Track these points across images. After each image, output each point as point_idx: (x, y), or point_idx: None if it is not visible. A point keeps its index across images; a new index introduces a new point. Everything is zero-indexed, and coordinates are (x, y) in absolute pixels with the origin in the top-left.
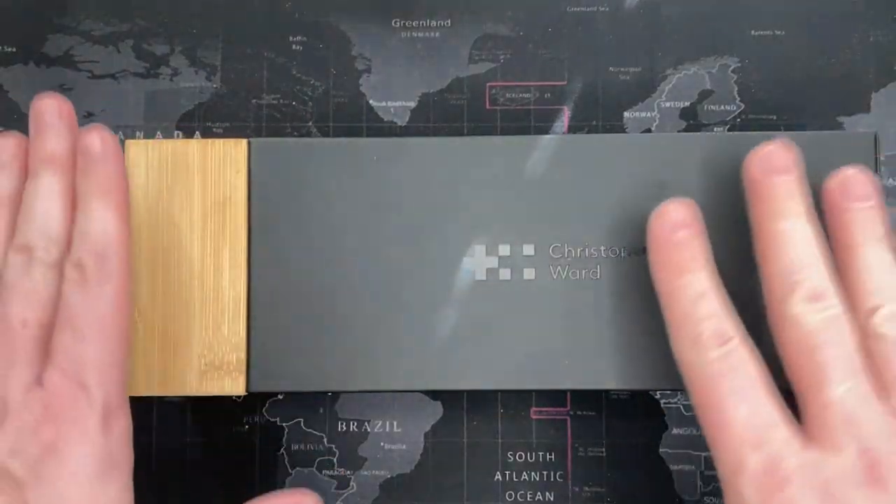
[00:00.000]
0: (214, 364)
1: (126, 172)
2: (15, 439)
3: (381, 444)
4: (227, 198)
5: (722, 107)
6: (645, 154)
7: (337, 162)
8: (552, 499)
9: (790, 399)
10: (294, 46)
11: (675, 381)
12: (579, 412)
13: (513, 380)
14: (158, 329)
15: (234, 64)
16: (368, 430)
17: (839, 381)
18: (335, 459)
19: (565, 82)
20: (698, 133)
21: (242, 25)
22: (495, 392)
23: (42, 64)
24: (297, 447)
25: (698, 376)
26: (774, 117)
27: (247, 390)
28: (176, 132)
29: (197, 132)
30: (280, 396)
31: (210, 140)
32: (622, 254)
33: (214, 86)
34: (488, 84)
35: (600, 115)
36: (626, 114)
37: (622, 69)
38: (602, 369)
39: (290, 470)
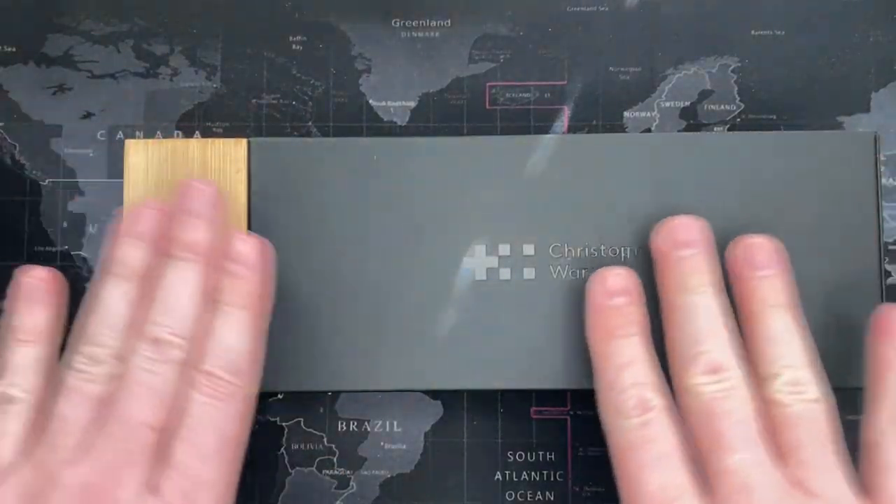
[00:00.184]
0: None
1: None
2: None
3: (381, 444)
4: (227, 197)
5: (722, 107)
6: (645, 154)
7: (337, 162)
8: (552, 499)
9: None
10: (294, 46)
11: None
12: (579, 412)
13: (513, 380)
14: None
15: (234, 64)
16: (368, 430)
17: (735, 450)
18: (335, 459)
19: (565, 82)
20: (698, 133)
21: (242, 25)
22: (495, 392)
23: (42, 64)
24: (296, 447)
25: (618, 444)
26: (774, 117)
27: None
28: (176, 132)
29: (197, 132)
30: (280, 396)
31: (210, 140)
32: (622, 254)
33: (214, 86)
34: (488, 84)
35: (600, 115)
36: (626, 114)
37: (622, 69)
38: None
39: (289, 470)
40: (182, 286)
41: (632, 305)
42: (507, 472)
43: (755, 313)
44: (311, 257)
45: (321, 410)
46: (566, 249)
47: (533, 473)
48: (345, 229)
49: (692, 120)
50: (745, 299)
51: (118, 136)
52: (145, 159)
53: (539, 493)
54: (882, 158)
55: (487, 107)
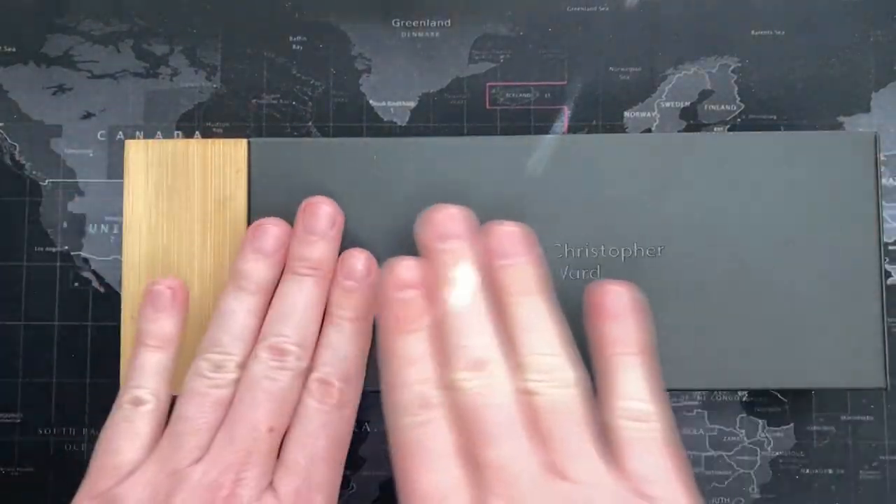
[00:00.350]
0: None
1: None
2: None
3: (381, 444)
4: (227, 197)
5: (722, 107)
6: (645, 154)
7: (337, 162)
8: None
9: None
10: (294, 46)
11: (675, 381)
12: None
13: None
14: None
15: (234, 64)
16: (368, 430)
17: (495, 442)
18: None
19: (565, 82)
20: (698, 133)
21: (242, 25)
22: None
23: (42, 64)
24: None
25: (397, 442)
26: (774, 117)
27: None
28: (176, 132)
29: (197, 132)
30: None
31: (210, 140)
32: (622, 254)
33: (214, 86)
34: (488, 84)
35: (600, 115)
36: (626, 114)
37: (622, 69)
38: None
39: None
40: (301, 300)
41: (421, 298)
42: None
43: (504, 303)
44: None
45: None
46: (566, 249)
47: None
48: (345, 229)
49: (692, 120)
50: (496, 289)
51: (118, 136)
52: (145, 159)
53: None
54: (882, 158)
55: (487, 107)
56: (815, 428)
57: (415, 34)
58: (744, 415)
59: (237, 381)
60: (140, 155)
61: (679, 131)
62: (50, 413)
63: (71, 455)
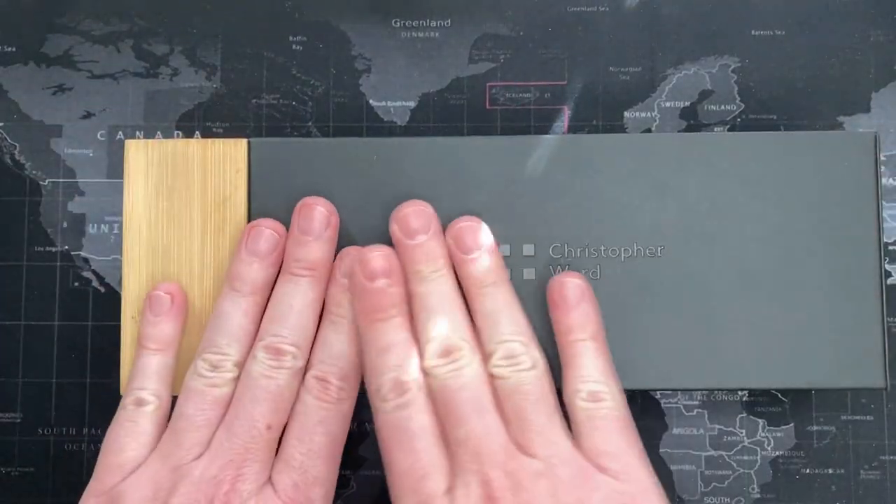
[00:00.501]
0: None
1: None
2: None
3: None
4: (227, 197)
5: (722, 107)
6: (645, 154)
7: (337, 162)
8: None
9: None
10: (294, 46)
11: (675, 381)
12: None
13: None
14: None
15: (234, 64)
16: (368, 430)
17: (466, 421)
18: None
19: (565, 82)
20: (698, 133)
21: (242, 25)
22: None
23: (42, 63)
24: None
25: (378, 426)
26: (774, 117)
27: None
28: (176, 132)
29: (197, 132)
30: None
31: (210, 140)
32: (622, 254)
33: (214, 86)
34: (488, 84)
35: (600, 115)
36: (626, 114)
37: (622, 69)
38: None
39: None
40: (297, 301)
41: (392, 287)
42: None
43: (471, 294)
44: None
45: None
46: (566, 249)
47: None
48: (345, 229)
49: (692, 120)
50: (462, 281)
51: (118, 136)
52: (145, 159)
53: None
54: (882, 158)
55: (487, 107)
56: (815, 428)
57: (415, 34)
58: (744, 415)
59: (234, 380)
60: (140, 155)
61: (679, 131)
62: (50, 413)
63: (71, 455)
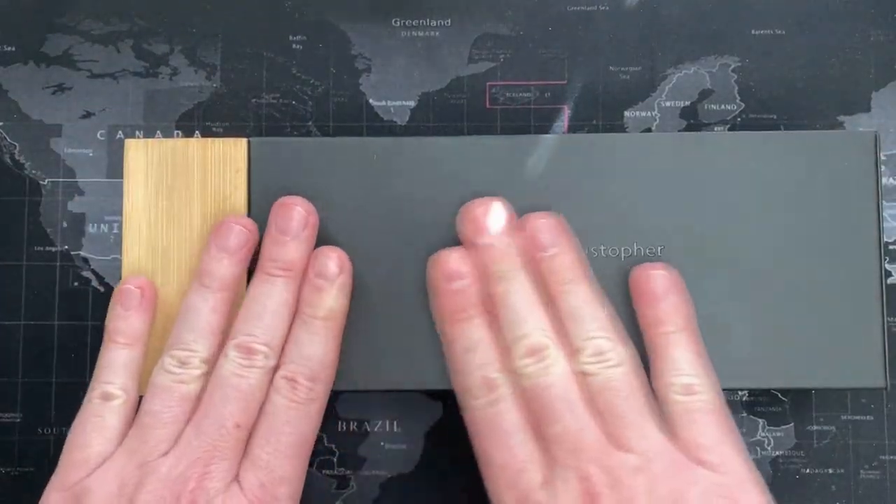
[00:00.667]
0: None
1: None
2: None
3: (381, 444)
4: (227, 197)
5: (722, 106)
6: (645, 154)
7: (337, 162)
8: None
9: None
10: (294, 46)
11: None
12: None
13: None
14: (158, 329)
15: (233, 63)
16: (368, 430)
17: (560, 418)
18: (335, 459)
19: (565, 82)
20: (698, 133)
21: (242, 25)
22: None
23: (42, 63)
24: None
25: (470, 423)
26: (774, 117)
27: None
28: (176, 132)
29: (197, 132)
30: None
31: (210, 139)
32: (622, 254)
33: (214, 85)
34: (488, 83)
35: (600, 114)
36: (626, 113)
37: (622, 69)
38: None
39: None
40: (272, 301)
41: (471, 287)
42: None
43: (552, 293)
44: None
45: None
46: None
47: None
48: (345, 229)
49: (692, 120)
50: (543, 280)
51: (118, 136)
52: (145, 159)
53: None
54: (882, 158)
55: (487, 107)
56: (815, 428)
57: (415, 34)
58: (744, 414)
59: (202, 377)
60: (140, 154)
61: (679, 131)
62: (50, 413)
63: None
